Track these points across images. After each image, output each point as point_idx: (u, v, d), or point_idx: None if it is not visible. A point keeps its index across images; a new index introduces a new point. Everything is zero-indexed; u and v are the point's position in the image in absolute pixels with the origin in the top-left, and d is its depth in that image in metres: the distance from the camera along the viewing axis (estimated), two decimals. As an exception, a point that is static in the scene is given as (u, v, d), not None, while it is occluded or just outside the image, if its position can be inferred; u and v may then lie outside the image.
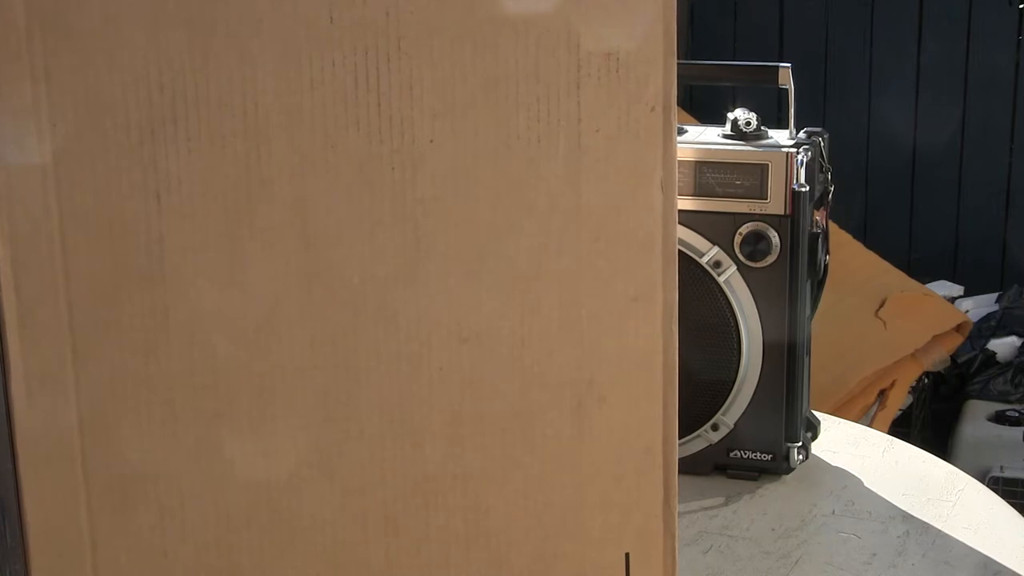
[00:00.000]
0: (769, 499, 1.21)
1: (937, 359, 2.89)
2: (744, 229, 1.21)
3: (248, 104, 0.85)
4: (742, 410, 1.24)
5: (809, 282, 1.23)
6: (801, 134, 1.23)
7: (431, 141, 0.88)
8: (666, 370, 0.94)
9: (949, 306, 3.08)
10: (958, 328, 2.95)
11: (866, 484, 1.23)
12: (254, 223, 0.87)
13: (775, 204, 1.20)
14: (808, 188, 1.19)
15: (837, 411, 2.51)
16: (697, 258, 1.22)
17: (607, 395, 0.94)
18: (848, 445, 1.31)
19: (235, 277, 0.88)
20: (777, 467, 1.24)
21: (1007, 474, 2.67)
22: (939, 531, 1.15)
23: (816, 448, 1.27)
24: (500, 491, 0.95)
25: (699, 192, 1.21)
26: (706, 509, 1.20)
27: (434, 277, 0.92)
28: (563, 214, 0.91)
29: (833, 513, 1.18)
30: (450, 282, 0.92)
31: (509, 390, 0.94)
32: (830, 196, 1.25)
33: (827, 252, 1.25)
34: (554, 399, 0.94)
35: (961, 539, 1.14)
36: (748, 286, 1.21)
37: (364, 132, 0.88)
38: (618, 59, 0.84)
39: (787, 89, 1.22)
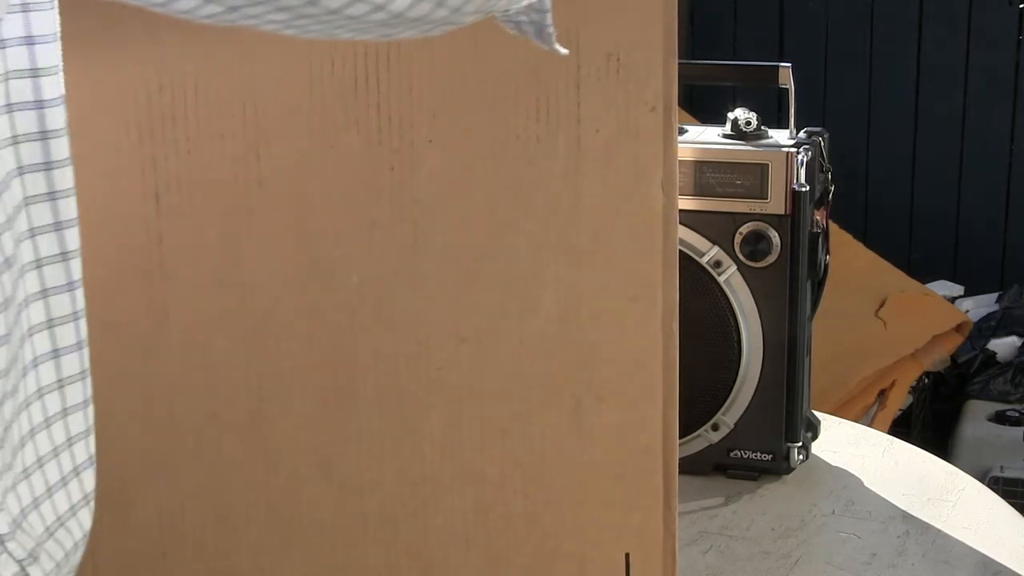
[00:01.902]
0: (769, 499, 1.21)
1: (937, 359, 2.89)
2: (744, 229, 1.21)
3: (247, 104, 0.85)
4: (742, 410, 1.24)
5: (809, 282, 1.22)
6: (801, 134, 1.23)
7: (430, 141, 0.88)
8: (666, 370, 0.93)
9: (949, 306, 3.08)
10: (958, 328, 2.95)
11: (866, 484, 1.23)
12: (253, 223, 0.87)
13: (775, 204, 1.20)
14: (808, 188, 1.19)
15: (837, 411, 2.51)
16: (697, 258, 1.22)
17: (606, 395, 0.93)
18: (848, 445, 1.31)
19: (234, 277, 0.88)
20: (777, 467, 1.24)
21: (1007, 474, 2.67)
22: (939, 531, 1.15)
23: (816, 448, 1.27)
24: (499, 491, 0.95)
25: (699, 192, 1.21)
26: (706, 509, 1.20)
27: (433, 277, 0.92)
28: (562, 214, 0.91)
29: (833, 513, 1.18)
30: (449, 282, 0.92)
31: (508, 390, 0.93)
32: (830, 196, 1.25)
33: (827, 252, 1.25)
34: (553, 399, 0.93)
35: (961, 539, 1.13)
36: (748, 286, 1.21)
37: (363, 132, 0.88)
38: (618, 59, 0.83)
39: (787, 89, 1.22)
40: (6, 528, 0.60)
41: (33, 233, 0.63)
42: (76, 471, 0.66)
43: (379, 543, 0.96)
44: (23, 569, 0.61)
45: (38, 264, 0.63)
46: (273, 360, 0.90)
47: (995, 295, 3.33)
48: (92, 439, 0.67)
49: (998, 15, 3.38)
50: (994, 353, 3.03)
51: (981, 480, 1.30)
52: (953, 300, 3.27)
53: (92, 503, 0.67)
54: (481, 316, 0.93)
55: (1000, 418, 2.82)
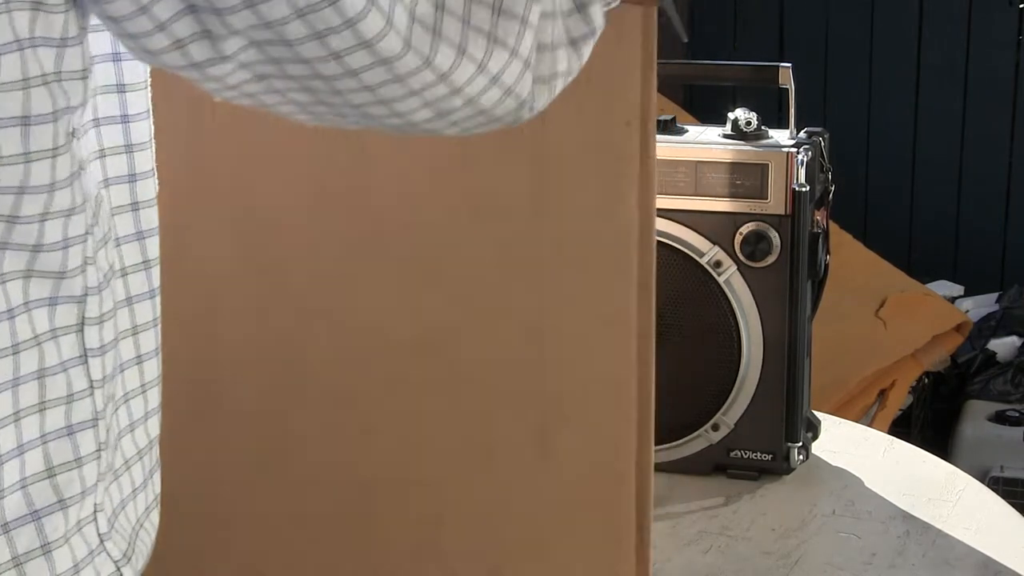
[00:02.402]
0: (769, 499, 1.21)
1: (937, 359, 2.89)
2: (744, 229, 1.21)
3: (193, 96, 0.83)
4: (742, 410, 1.24)
5: (809, 282, 1.22)
6: (801, 134, 1.23)
7: (385, 141, 0.85)
8: (641, 398, 0.89)
9: (949, 306, 3.07)
10: (958, 328, 2.95)
11: (866, 484, 1.23)
12: (197, 215, 0.85)
13: (775, 204, 1.20)
14: (808, 188, 1.19)
15: (837, 411, 2.51)
16: (697, 258, 1.22)
17: (574, 417, 0.90)
18: (848, 445, 1.31)
19: (177, 269, 0.85)
20: (777, 467, 1.24)
21: (1007, 474, 2.67)
22: (939, 531, 1.15)
23: (816, 448, 1.27)
24: (455, 502, 0.92)
25: (699, 192, 1.21)
26: (706, 509, 1.20)
27: (388, 279, 0.89)
28: (527, 227, 0.87)
29: (833, 513, 1.18)
30: (405, 285, 0.90)
31: (468, 400, 0.90)
32: (830, 196, 1.25)
33: (827, 252, 1.25)
34: (517, 414, 0.90)
35: (961, 539, 1.13)
36: (748, 286, 1.21)
37: (316, 128, 0.86)
38: (591, 69, 0.80)
39: (787, 89, 1.22)
40: (106, 527, 0.63)
41: (119, 243, 0.65)
42: (151, 473, 0.69)
43: (323, 543, 0.94)
44: (118, 569, 0.64)
45: (124, 272, 0.66)
46: (218, 352, 0.87)
47: (995, 295, 3.33)
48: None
49: (998, 15, 3.38)
50: (994, 353, 3.03)
51: (981, 480, 1.30)
52: (953, 300, 3.27)
53: (158, 507, 0.70)
54: (440, 324, 0.90)
55: (1000, 418, 2.82)
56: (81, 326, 0.60)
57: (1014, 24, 3.38)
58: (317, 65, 0.57)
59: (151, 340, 0.67)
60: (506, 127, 0.66)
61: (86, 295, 0.60)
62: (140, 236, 0.67)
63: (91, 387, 0.61)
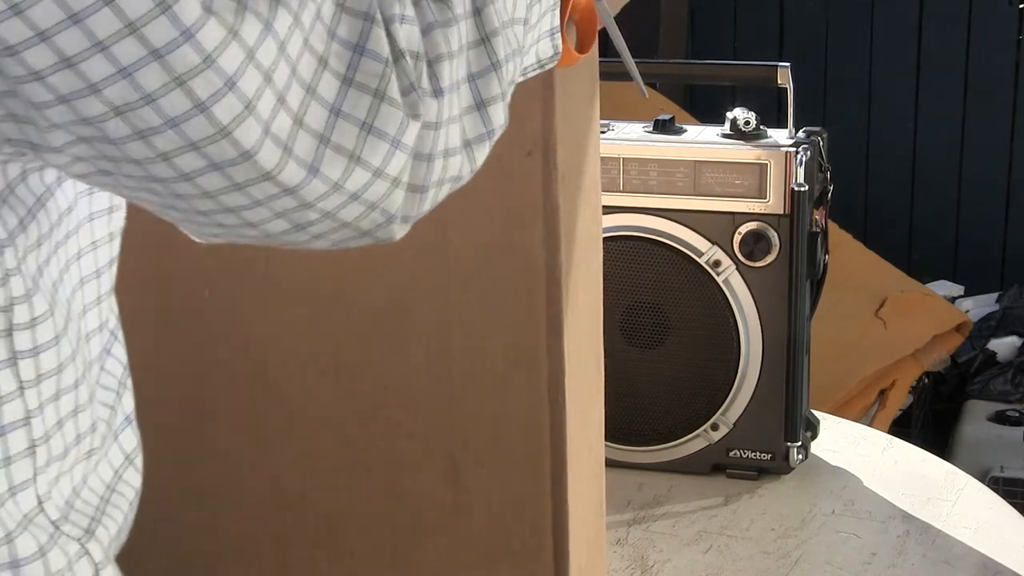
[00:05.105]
0: (769, 499, 1.21)
1: (937, 359, 2.88)
2: (743, 228, 1.20)
3: None
4: (742, 410, 1.24)
5: (808, 282, 1.22)
6: (801, 134, 1.23)
7: None
8: (554, 445, 0.85)
9: (949, 306, 3.07)
10: (958, 328, 2.95)
11: (866, 484, 1.23)
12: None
13: (775, 203, 1.20)
14: (807, 187, 1.19)
15: (837, 411, 2.50)
16: (696, 257, 1.22)
17: (485, 460, 0.87)
18: (848, 445, 1.30)
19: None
20: (777, 467, 1.24)
21: (1007, 474, 2.67)
22: (939, 531, 1.15)
23: (816, 448, 1.27)
24: (365, 537, 0.90)
25: (698, 192, 1.21)
26: (706, 509, 1.20)
27: (286, 303, 0.87)
28: (429, 257, 0.84)
29: (833, 513, 1.18)
30: (305, 310, 0.87)
31: (373, 433, 0.88)
32: (829, 195, 1.25)
33: (826, 251, 1.25)
34: (424, 453, 0.87)
35: (961, 539, 1.13)
36: (747, 285, 1.21)
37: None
38: None
39: (787, 89, 1.22)
40: (57, 514, 0.64)
41: (92, 217, 0.66)
42: (113, 437, 0.69)
43: (239, 562, 0.92)
44: (82, 547, 0.64)
45: (79, 255, 0.66)
46: (131, 357, 0.86)
47: (995, 295, 3.33)
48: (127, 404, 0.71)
49: (998, 15, 3.38)
50: (994, 353, 3.03)
51: (981, 480, 1.30)
52: (953, 300, 3.27)
53: (136, 460, 0.70)
54: (341, 350, 0.87)
55: (1000, 418, 2.82)
56: (10, 331, 0.60)
57: (1014, 24, 3.38)
58: (149, 167, 0.54)
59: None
60: (379, 242, 0.62)
61: (12, 305, 0.60)
62: (90, 217, 0.67)
63: (21, 388, 0.61)
